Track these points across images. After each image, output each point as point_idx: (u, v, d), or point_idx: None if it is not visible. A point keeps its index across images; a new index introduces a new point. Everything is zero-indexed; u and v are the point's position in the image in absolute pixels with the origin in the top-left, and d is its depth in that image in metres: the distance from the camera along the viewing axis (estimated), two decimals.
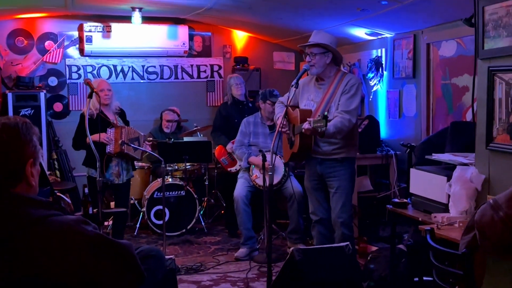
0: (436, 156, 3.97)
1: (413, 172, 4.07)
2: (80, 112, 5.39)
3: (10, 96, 6.71)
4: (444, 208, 3.67)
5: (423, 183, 3.93)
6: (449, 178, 3.64)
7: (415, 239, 4.34)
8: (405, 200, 4.13)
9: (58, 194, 4.00)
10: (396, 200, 4.19)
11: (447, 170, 3.80)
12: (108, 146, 5.15)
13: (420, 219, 3.77)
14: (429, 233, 2.93)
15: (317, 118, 4.02)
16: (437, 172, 3.84)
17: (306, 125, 4.13)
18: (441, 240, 3.07)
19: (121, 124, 5.35)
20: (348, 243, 3.94)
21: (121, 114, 5.49)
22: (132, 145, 5.19)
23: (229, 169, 6.37)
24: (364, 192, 6.04)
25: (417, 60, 5.78)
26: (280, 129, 4.26)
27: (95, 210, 4.31)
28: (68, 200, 5.04)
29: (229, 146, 6.33)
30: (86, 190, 4.06)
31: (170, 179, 6.47)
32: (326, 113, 4.02)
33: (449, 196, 3.61)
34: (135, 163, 5.73)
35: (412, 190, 4.06)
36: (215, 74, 8.03)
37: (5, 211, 1.76)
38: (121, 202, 5.43)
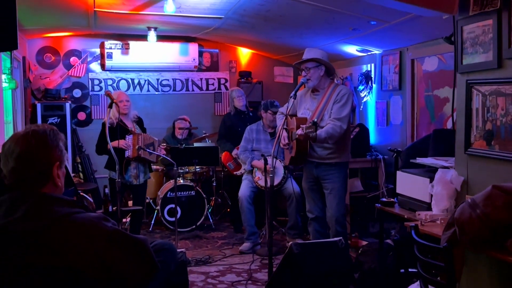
0: (420, 160, 3.96)
1: (400, 174, 4.07)
2: (101, 121, 5.41)
3: (39, 106, 6.73)
4: (427, 206, 3.66)
5: (408, 184, 3.92)
6: (431, 179, 3.63)
7: (401, 234, 4.33)
8: (392, 200, 4.13)
9: (81, 194, 4.00)
10: (384, 199, 4.18)
11: (430, 172, 3.79)
12: (127, 151, 5.16)
13: (405, 216, 3.76)
14: (414, 229, 2.93)
15: (308, 125, 4.04)
16: (421, 174, 3.83)
17: (299, 131, 4.15)
18: (424, 236, 3.06)
19: (139, 131, 5.36)
20: (341, 238, 3.94)
21: (139, 122, 5.51)
22: (148, 150, 5.20)
23: (234, 172, 6.37)
24: (356, 192, 6.03)
25: (402, 74, 5.78)
26: (278, 141, 4.28)
27: (114, 208, 4.32)
28: (90, 199, 5.04)
29: (234, 152, 6.34)
30: (107, 190, 4.06)
31: (181, 181, 6.47)
32: (315, 119, 4.04)
33: (431, 196, 3.60)
34: (152, 165, 5.73)
35: (399, 190, 4.05)
36: (222, 86, 8.04)
37: (34, 209, 1.77)
38: (138, 201, 5.43)
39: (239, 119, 6.52)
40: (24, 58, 6.52)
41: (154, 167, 6.68)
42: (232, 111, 6.63)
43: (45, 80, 7.26)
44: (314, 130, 3.96)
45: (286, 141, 4.52)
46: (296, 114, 4.67)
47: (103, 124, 5.19)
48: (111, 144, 4.58)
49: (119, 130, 4.90)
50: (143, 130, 5.50)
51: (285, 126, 4.49)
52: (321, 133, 4.20)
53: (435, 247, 2.64)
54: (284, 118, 4.35)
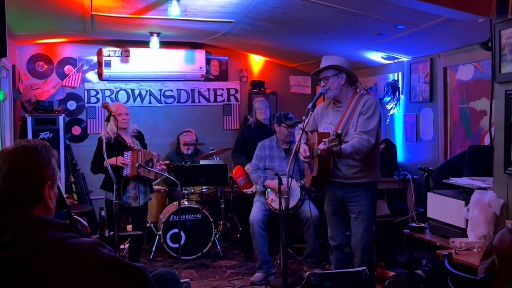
0: (454, 180, 3.94)
1: (431, 196, 4.04)
2: (98, 136, 5.44)
3: (29, 120, 6.80)
4: (462, 232, 3.63)
5: (440, 207, 3.89)
6: (467, 202, 3.61)
7: (433, 264, 4.29)
8: (422, 225, 4.10)
9: (75, 216, 4.03)
10: (414, 224, 4.15)
11: (465, 194, 3.76)
12: (125, 169, 5.19)
13: (438, 244, 3.73)
14: (447, 258, 2.90)
15: (331, 138, 4.02)
16: (455, 196, 3.81)
17: (321, 146, 4.13)
18: (459, 265, 3.03)
19: (139, 147, 5.39)
20: (365, 268, 3.91)
21: (139, 136, 5.54)
22: (149, 168, 5.22)
23: (245, 190, 6.36)
24: (381, 217, 5.99)
25: (434, 84, 5.77)
26: (301, 157, 4.27)
27: (111, 233, 4.33)
28: (85, 223, 5.06)
29: (247, 167, 6.35)
30: (103, 213, 4.08)
31: (186, 203, 6.48)
32: (339, 131, 4.01)
33: (467, 220, 3.57)
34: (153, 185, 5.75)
35: (430, 214, 4.02)
36: (232, 97, 8.08)
37: (23, 233, 1.78)
38: (138, 225, 5.44)
39: (260, 133, 6.52)
40: (13, 66, 6.60)
41: (156, 187, 6.71)
42: (253, 123, 6.68)
43: (37, 91, 7.35)
44: (338, 143, 3.93)
45: (308, 153, 4.51)
46: (316, 130, 4.66)
47: (99, 140, 5.24)
48: (108, 162, 4.60)
49: (117, 146, 4.92)
50: (144, 145, 5.53)
51: (304, 141, 4.49)
52: (346, 148, 4.18)
53: (472, 279, 2.61)
54: (301, 132, 4.35)
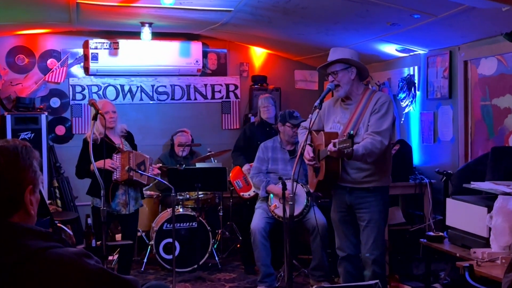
0: (475, 185, 3.94)
1: (450, 202, 4.04)
2: (83, 136, 5.44)
3: (8, 118, 6.80)
4: (485, 242, 3.62)
5: (461, 214, 3.89)
6: (490, 209, 3.60)
7: (453, 277, 4.29)
8: (441, 234, 4.10)
9: (58, 225, 4.04)
10: (431, 233, 4.15)
11: (488, 200, 3.76)
12: (114, 173, 5.19)
13: (458, 254, 3.73)
14: (468, 270, 2.90)
15: (342, 138, 4.01)
16: (476, 203, 3.81)
17: (330, 147, 4.13)
18: (481, 278, 3.03)
19: (128, 149, 5.39)
20: (377, 281, 3.90)
21: (128, 137, 5.54)
22: (140, 172, 5.22)
23: (242, 193, 6.38)
24: (396, 225, 5.99)
25: (453, 79, 5.76)
26: (305, 159, 4.26)
27: (98, 243, 4.33)
28: (70, 231, 5.07)
29: (245, 168, 6.36)
30: (89, 220, 4.09)
31: (181, 209, 6.48)
32: (351, 131, 4.00)
33: (490, 229, 3.57)
34: (144, 191, 5.76)
35: (449, 222, 4.02)
36: (231, 94, 8.09)
37: (2, 242, 1.78)
38: (128, 234, 5.44)
39: (263, 132, 6.52)
40: None
41: (147, 193, 6.72)
42: (257, 121, 6.68)
43: (17, 86, 7.36)
44: (350, 144, 3.92)
45: (312, 154, 4.51)
46: (322, 130, 4.66)
47: (85, 141, 5.24)
48: (95, 165, 4.60)
49: (104, 147, 4.92)
50: (133, 147, 5.54)
51: (309, 142, 4.48)
52: (358, 149, 4.17)
53: None
54: (307, 132, 4.35)
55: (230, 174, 6.56)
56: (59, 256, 1.80)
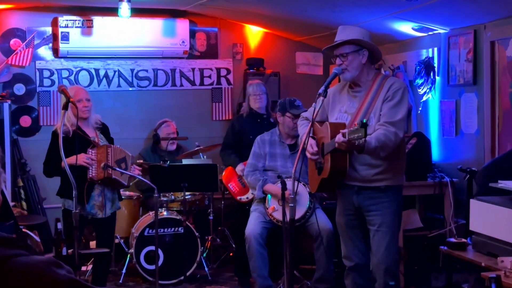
0: (503, 184, 3.95)
1: (474, 204, 4.05)
2: (53, 128, 5.42)
3: None
4: None
5: (486, 218, 3.90)
6: None
7: None
8: (463, 240, 4.11)
9: (24, 230, 4.03)
10: (453, 240, 4.16)
11: None
12: (90, 170, 5.17)
13: (483, 264, 3.74)
14: (495, 281, 2.91)
15: (353, 128, 4.00)
16: (504, 204, 3.82)
17: (339, 138, 4.11)
18: None
19: (104, 143, 5.38)
20: None
21: (103, 129, 5.53)
22: (118, 169, 5.21)
23: (238, 197, 6.37)
24: (412, 230, 6.00)
25: (478, 62, 5.77)
26: (307, 153, 4.26)
27: (70, 251, 4.33)
28: (37, 238, 5.07)
29: (239, 168, 6.34)
30: (60, 225, 4.09)
31: (164, 213, 6.48)
32: (365, 120, 3.98)
33: None
34: (121, 191, 5.75)
35: (473, 227, 4.03)
36: (223, 80, 8.08)
37: None
38: (103, 241, 5.43)
39: (254, 125, 6.50)
40: None
41: (126, 193, 6.71)
42: (245, 112, 6.62)
43: None
44: (363, 134, 3.89)
45: (315, 148, 4.50)
46: (325, 121, 4.65)
47: (54, 134, 5.22)
48: (66, 162, 4.59)
49: (77, 141, 4.91)
50: (110, 140, 5.52)
51: (311, 135, 4.48)
52: (370, 141, 4.16)
53: None
54: (310, 123, 4.34)
55: (222, 176, 6.54)
56: (24, 265, 1.80)
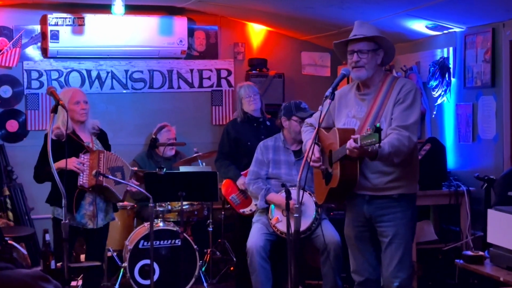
0: None
1: (492, 214, 4.05)
2: (41, 134, 5.43)
3: None
4: None
5: (505, 229, 3.90)
6: None
7: None
8: (481, 253, 4.10)
9: (9, 242, 4.03)
10: (469, 253, 4.15)
11: None
12: (81, 176, 5.16)
13: (501, 279, 3.74)
14: None
15: (366, 133, 3.98)
16: None
17: (351, 143, 4.09)
18: None
19: (99, 148, 5.38)
20: None
21: (101, 136, 5.53)
22: (112, 177, 5.19)
23: (241, 210, 6.36)
24: (426, 243, 6.00)
25: (497, 62, 5.77)
26: (309, 160, 4.25)
27: (59, 264, 4.33)
28: (24, 250, 5.06)
29: (240, 182, 6.32)
30: (48, 237, 4.08)
31: (161, 224, 6.48)
32: (378, 124, 3.96)
33: None
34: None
35: (491, 239, 4.03)
36: (223, 82, 8.09)
37: None
38: (93, 254, 5.43)
39: (250, 129, 6.50)
40: None
41: (119, 203, 6.70)
42: (239, 117, 6.60)
43: None
44: (377, 140, 3.87)
45: (318, 155, 4.49)
46: (331, 128, 4.63)
47: (47, 136, 5.22)
48: (54, 166, 4.57)
49: (67, 144, 4.87)
50: (107, 148, 5.53)
51: (316, 141, 4.47)
52: (384, 147, 4.13)
53: None
54: (317, 128, 4.34)
55: (222, 188, 6.52)
56: (9, 279, 1.80)
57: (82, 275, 5.72)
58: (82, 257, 5.95)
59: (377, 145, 3.88)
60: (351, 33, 4.52)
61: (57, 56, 7.51)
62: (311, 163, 4.49)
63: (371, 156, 4.17)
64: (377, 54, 4.47)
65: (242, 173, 6.30)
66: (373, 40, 4.46)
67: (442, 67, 6.44)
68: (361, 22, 4.59)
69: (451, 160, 6.37)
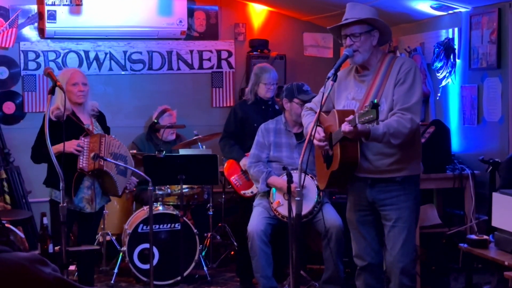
0: None
1: (497, 198, 4.05)
2: (38, 116, 5.44)
3: None
4: None
5: (511, 213, 3.90)
6: None
7: None
8: (485, 237, 4.11)
9: (6, 225, 4.04)
10: (474, 237, 4.16)
11: None
12: (81, 159, 5.15)
13: (506, 263, 3.75)
14: None
15: (363, 110, 3.96)
16: None
17: (345, 126, 4.10)
18: None
19: (99, 132, 5.37)
20: None
21: (100, 118, 5.53)
22: (111, 160, 5.18)
23: (242, 192, 6.36)
24: (429, 227, 6.00)
25: (503, 43, 5.75)
26: (312, 138, 4.24)
27: (57, 248, 4.33)
28: (21, 234, 5.07)
29: (243, 162, 6.31)
30: (45, 220, 4.08)
31: (160, 207, 6.49)
32: (375, 100, 3.94)
33: None
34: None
35: (496, 223, 4.03)
36: (224, 63, 8.08)
37: None
38: (87, 237, 5.44)
39: (258, 111, 6.43)
40: None
41: None
42: (250, 98, 6.51)
43: None
44: (375, 116, 3.86)
45: (322, 134, 4.48)
46: (332, 110, 4.63)
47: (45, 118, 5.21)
48: (53, 149, 4.57)
49: (65, 126, 4.85)
50: (105, 130, 5.52)
51: (318, 123, 4.47)
52: (377, 126, 4.12)
53: None
54: (319, 110, 4.33)
55: (224, 168, 6.51)
56: (6, 262, 1.81)
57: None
58: None
59: (375, 120, 3.88)
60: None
61: (54, 36, 7.50)
62: (316, 143, 4.47)
63: (365, 135, 4.17)
64: (371, 35, 4.47)
65: (246, 154, 6.29)
66: (366, 22, 4.46)
67: (447, 48, 6.42)
68: (353, 4, 4.58)
69: (456, 143, 6.37)
